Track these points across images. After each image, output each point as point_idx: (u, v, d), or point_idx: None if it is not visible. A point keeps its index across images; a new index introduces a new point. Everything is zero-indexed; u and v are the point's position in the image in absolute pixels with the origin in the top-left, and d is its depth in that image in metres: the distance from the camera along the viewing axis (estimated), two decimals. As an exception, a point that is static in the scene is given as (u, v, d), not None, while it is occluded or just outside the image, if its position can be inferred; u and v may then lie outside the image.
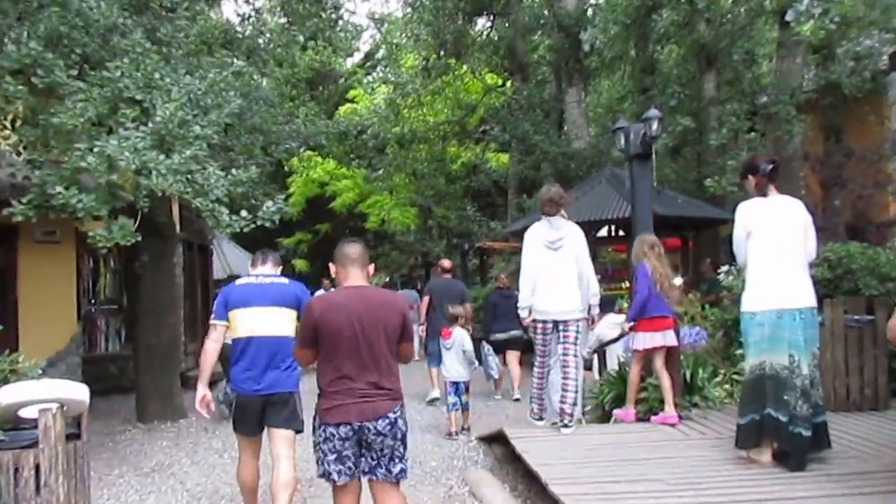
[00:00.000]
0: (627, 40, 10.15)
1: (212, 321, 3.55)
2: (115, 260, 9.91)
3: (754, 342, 3.56)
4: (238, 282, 3.66)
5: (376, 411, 2.72)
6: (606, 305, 6.89)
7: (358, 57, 24.31)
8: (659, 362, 4.73)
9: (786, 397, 3.45)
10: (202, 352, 3.58)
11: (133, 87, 4.72)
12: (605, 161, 11.34)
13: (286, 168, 18.61)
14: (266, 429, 3.45)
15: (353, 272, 2.87)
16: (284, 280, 3.62)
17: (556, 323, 4.60)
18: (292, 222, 19.45)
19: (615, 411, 5.02)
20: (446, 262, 8.41)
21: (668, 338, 4.71)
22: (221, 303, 3.53)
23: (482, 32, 14.06)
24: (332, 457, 2.76)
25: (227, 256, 17.07)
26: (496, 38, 14.27)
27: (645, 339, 4.70)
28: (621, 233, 9.48)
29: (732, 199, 8.69)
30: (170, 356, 7.07)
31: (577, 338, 4.64)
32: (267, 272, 3.64)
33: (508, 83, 14.27)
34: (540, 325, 4.67)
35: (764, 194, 3.66)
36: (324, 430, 2.77)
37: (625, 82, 12.25)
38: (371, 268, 3.00)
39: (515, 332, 7.60)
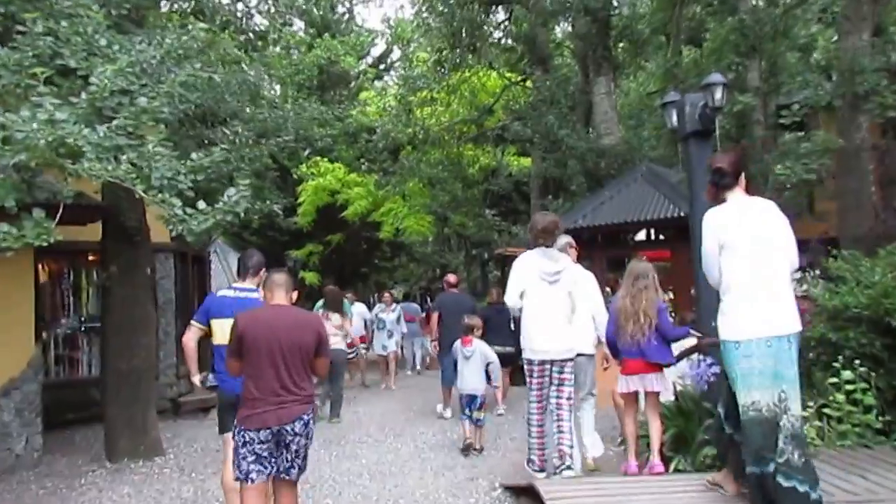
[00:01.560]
0: (672, 7, 9.08)
1: (192, 321, 4.16)
2: (98, 271, 9.13)
3: (742, 376, 2.94)
4: (219, 293, 4.24)
5: (291, 415, 3.10)
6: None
7: (370, 62, 23.63)
8: (648, 409, 4.36)
9: (782, 444, 2.85)
10: (183, 346, 4.21)
11: (69, 52, 3.84)
12: (639, 158, 10.30)
13: (295, 176, 17.86)
14: None
15: (278, 294, 3.37)
16: (256, 295, 3.99)
17: (552, 363, 4.26)
18: (303, 233, 18.70)
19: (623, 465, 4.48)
20: (452, 277, 8.57)
21: (647, 383, 4.29)
22: (203, 310, 4.13)
23: (499, 24, 13.13)
24: (251, 458, 3.10)
25: (233, 270, 16.33)
26: (514, 29, 13.33)
27: (621, 383, 4.40)
28: (662, 236, 8.39)
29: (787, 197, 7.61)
30: (142, 383, 6.18)
31: (571, 380, 4.34)
32: (244, 286, 4.11)
33: (528, 82, 13.35)
34: (537, 367, 4.29)
35: (720, 202, 3.14)
36: (243, 435, 3.09)
37: (663, 62, 11.17)
38: (294, 294, 3.64)
39: (509, 349, 7.55)
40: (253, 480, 3.10)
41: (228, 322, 3.41)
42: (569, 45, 12.54)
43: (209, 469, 5.87)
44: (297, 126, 7.62)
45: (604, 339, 4.65)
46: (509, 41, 14.05)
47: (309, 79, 16.50)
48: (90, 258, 9.09)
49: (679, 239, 8.09)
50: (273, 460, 3.14)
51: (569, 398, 4.32)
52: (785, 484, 2.78)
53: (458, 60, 11.88)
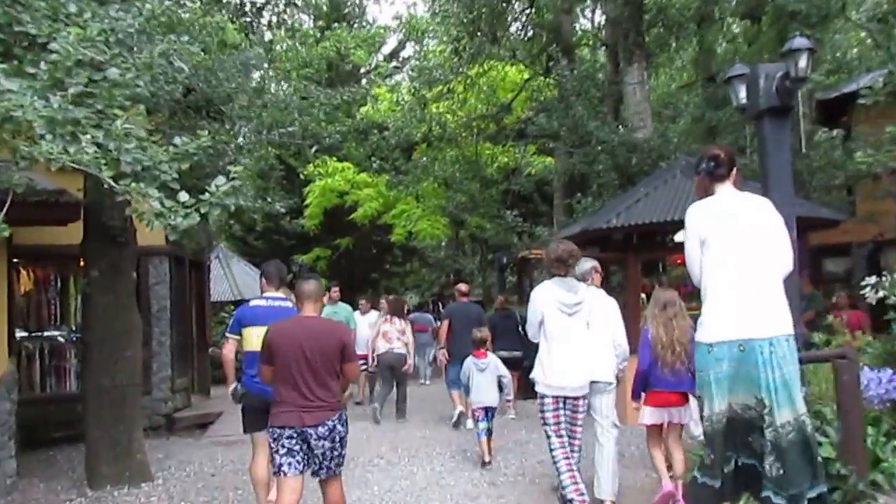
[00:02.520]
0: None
1: (227, 334, 4.57)
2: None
3: (717, 381, 2.83)
4: (251, 303, 4.57)
5: (314, 420, 3.40)
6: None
7: (382, 58, 23.16)
8: (670, 439, 4.37)
9: (750, 440, 2.81)
10: (222, 359, 4.67)
11: (30, 18, 3.31)
12: (675, 153, 9.66)
13: (302, 176, 17.38)
14: None
15: (307, 305, 3.64)
16: (288, 304, 4.33)
17: (565, 399, 4.15)
18: (310, 237, 18.24)
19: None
20: (463, 286, 8.79)
21: (674, 415, 4.30)
22: (236, 321, 4.45)
23: (521, 11, 12.54)
24: (283, 451, 3.42)
25: (237, 277, 15.83)
26: (536, 18, 12.76)
27: (649, 415, 4.35)
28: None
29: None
30: (126, 401, 5.65)
31: (583, 420, 4.27)
32: (275, 295, 4.45)
33: (550, 77, 12.76)
34: (551, 401, 4.15)
35: (708, 195, 3.02)
36: (273, 432, 3.46)
37: (693, 54, 10.56)
38: (325, 298, 4.46)
39: (516, 353, 7.91)
40: (286, 473, 3.42)
41: (262, 329, 3.71)
42: (597, 34, 11.92)
43: (201, 497, 5.34)
44: (300, 108, 7.04)
45: (623, 366, 4.60)
46: (530, 32, 13.47)
47: (317, 73, 16.04)
48: (80, 263, 8.63)
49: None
50: (304, 457, 3.45)
51: (580, 439, 4.27)
52: (763, 493, 2.77)
53: (476, 50, 11.31)
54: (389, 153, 13.91)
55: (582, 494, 4.00)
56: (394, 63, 22.82)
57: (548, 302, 4.12)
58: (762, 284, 2.85)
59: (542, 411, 4.18)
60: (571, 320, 4.09)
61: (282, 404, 3.44)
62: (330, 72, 19.65)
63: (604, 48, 12.06)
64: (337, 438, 3.46)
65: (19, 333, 8.25)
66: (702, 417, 2.98)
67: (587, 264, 4.65)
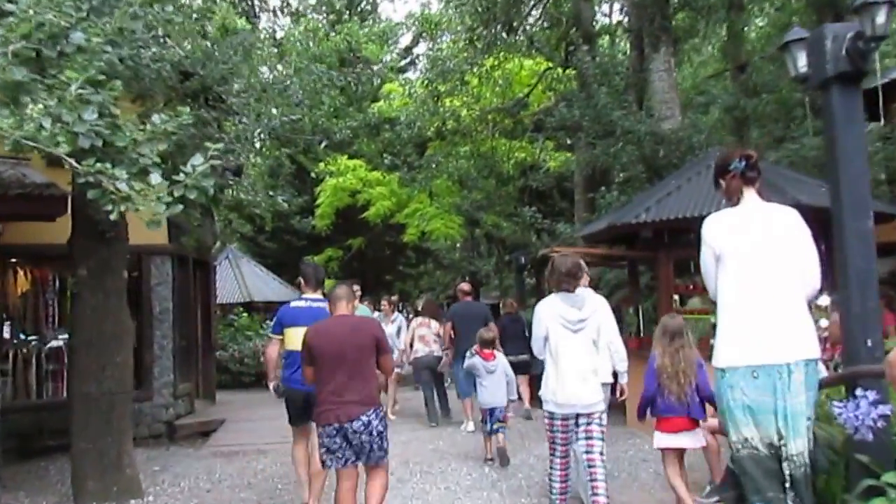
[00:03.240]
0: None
1: (270, 335, 4.96)
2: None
3: (732, 408, 2.69)
4: (291, 304, 4.80)
5: (350, 415, 3.66)
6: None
7: (394, 56, 22.75)
8: (675, 467, 4.34)
9: (767, 486, 2.61)
10: (266, 358, 4.98)
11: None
12: (707, 144, 9.11)
13: (313, 175, 17.04)
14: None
15: (339, 306, 3.97)
16: (325, 304, 4.39)
17: (577, 416, 4.07)
18: (321, 237, 17.87)
19: None
20: (465, 286, 8.87)
21: (682, 440, 4.31)
22: (278, 322, 4.71)
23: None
24: (323, 449, 3.80)
25: (246, 278, 15.53)
26: (553, 10, 12.26)
27: (665, 440, 4.35)
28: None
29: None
30: (115, 410, 5.26)
31: (602, 431, 4.13)
32: (313, 296, 4.70)
33: (568, 70, 12.25)
34: (560, 422, 4.07)
35: (735, 202, 2.85)
36: (318, 430, 3.85)
37: (720, 41, 9.99)
38: (355, 301, 4.56)
39: (524, 357, 7.72)
40: (329, 467, 3.80)
41: (302, 329, 4.01)
42: (619, 22, 11.39)
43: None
44: (313, 92, 6.61)
45: (620, 369, 4.70)
46: (545, 23, 12.98)
47: (329, 68, 15.69)
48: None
49: (766, 236, 6.90)
50: (344, 452, 3.70)
51: (601, 453, 4.08)
52: None
53: (492, 39, 10.82)
54: (402, 148, 13.46)
55: None
56: (408, 59, 22.44)
57: (552, 317, 4.05)
58: (781, 305, 2.64)
59: (551, 431, 4.10)
60: (577, 337, 4.02)
61: (323, 403, 3.74)
62: (342, 66, 19.35)
63: (627, 35, 11.52)
64: (374, 432, 3.70)
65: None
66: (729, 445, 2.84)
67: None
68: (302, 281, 4.80)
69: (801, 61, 3.50)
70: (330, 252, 17.87)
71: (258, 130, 7.22)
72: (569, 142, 15.09)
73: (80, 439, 5.23)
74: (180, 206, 3.53)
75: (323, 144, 12.71)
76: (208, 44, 4.78)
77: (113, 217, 2.81)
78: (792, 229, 2.73)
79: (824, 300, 7.58)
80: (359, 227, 17.66)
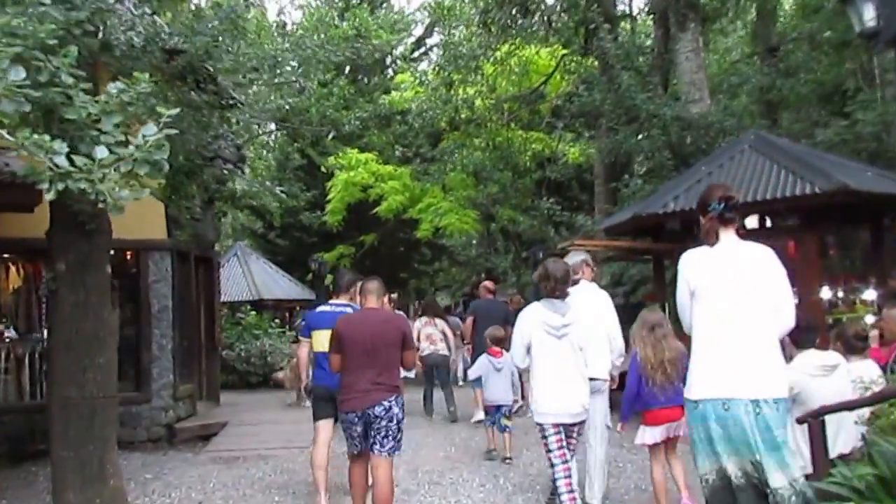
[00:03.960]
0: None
1: (300, 338, 5.34)
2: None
3: (700, 440, 2.73)
4: (318, 309, 5.25)
5: (374, 400, 3.89)
6: (806, 333, 4.16)
7: (406, 47, 22.29)
8: (668, 456, 4.40)
9: None
10: (297, 360, 6.01)
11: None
12: (738, 129, 8.55)
13: (323, 169, 16.65)
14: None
15: (370, 299, 4.18)
16: (349, 309, 4.80)
17: (564, 425, 4.03)
18: (333, 234, 17.48)
19: None
20: (490, 283, 8.87)
21: (672, 430, 4.32)
22: (307, 326, 5.10)
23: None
24: (348, 436, 4.06)
25: (255, 276, 15.19)
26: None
27: (650, 435, 4.33)
28: (782, 222, 6.62)
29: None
30: (97, 417, 4.86)
31: (575, 445, 4.14)
32: (338, 302, 5.02)
33: (591, 55, 11.69)
34: (552, 428, 4.00)
35: (713, 242, 2.85)
36: (342, 418, 4.09)
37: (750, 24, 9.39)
38: (386, 297, 4.93)
39: None
40: (352, 454, 4.06)
41: (327, 333, 4.27)
42: (642, 11, 10.81)
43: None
44: (300, 57, 6.18)
45: (617, 363, 4.64)
46: (563, 4, 12.40)
47: (339, 61, 15.27)
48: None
49: (808, 224, 6.35)
50: (362, 438, 3.94)
51: (573, 458, 4.09)
52: None
53: (506, 21, 10.30)
54: (413, 140, 12.99)
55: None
56: (420, 50, 21.98)
57: (536, 324, 4.00)
58: (751, 342, 2.72)
59: (545, 437, 4.03)
60: (560, 343, 3.97)
61: (347, 390, 3.96)
62: (355, 59, 18.93)
63: (650, 16, 10.94)
64: (394, 419, 3.92)
65: (7, 335, 7.68)
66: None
67: (577, 257, 4.65)
68: (332, 289, 5.44)
69: (868, 15, 2.98)
70: (341, 249, 17.41)
71: (254, 115, 6.82)
72: (587, 134, 14.56)
73: (60, 447, 4.84)
74: (146, 191, 3.14)
75: (331, 136, 12.27)
76: (190, 14, 4.35)
77: (49, 197, 2.39)
78: (767, 268, 2.78)
79: (870, 294, 7.01)
80: (371, 222, 17.22)
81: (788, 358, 4.29)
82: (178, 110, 2.68)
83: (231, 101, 6.33)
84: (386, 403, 3.89)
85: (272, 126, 12.88)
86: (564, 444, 3.99)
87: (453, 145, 12.57)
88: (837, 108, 9.68)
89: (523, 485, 5.31)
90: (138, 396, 7.95)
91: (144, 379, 7.98)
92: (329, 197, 16.66)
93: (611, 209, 9.61)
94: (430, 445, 6.96)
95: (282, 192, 7.03)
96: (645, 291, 8.71)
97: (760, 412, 2.62)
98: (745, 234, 6.76)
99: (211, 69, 5.23)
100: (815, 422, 3.52)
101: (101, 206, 2.67)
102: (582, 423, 4.06)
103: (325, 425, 4.78)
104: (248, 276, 14.88)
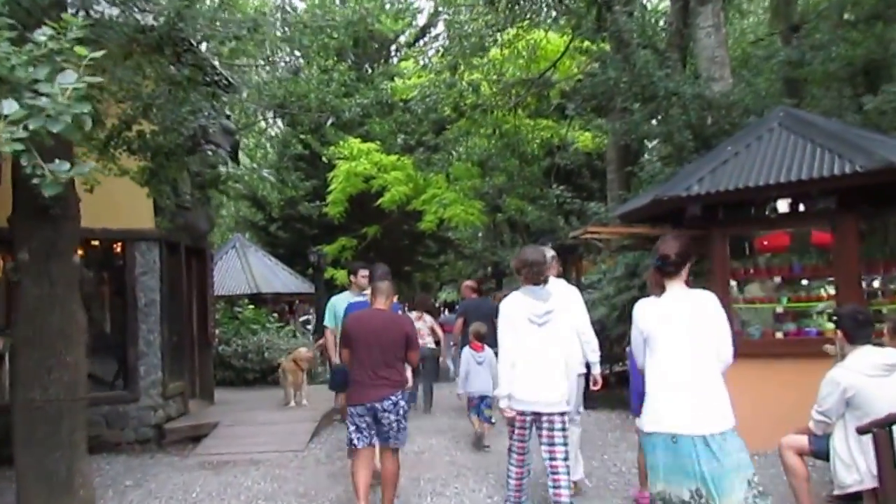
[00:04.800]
0: None
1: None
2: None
3: (653, 466, 3.05)
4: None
5: (381, 395, 4.17)
6: (861, 327, 3.66)
7: (410, 35, 21.73)
8: None
9: None
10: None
11: None
12: (763, 109, 8.00)
13: (325, 160, 16.18)
14: None
15: (379, 299, 4.46)
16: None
17: (538, 415, 3.96)
18: (335, 225, 17.02)
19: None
20: (472, 283, 9.33)
21: None
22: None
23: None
24: (353, 428, 4.27)
25: (254, 268, 14.75)
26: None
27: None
28: (817, 205, 6.07)
29: None
30: (64, 420, 4.45)
31: (565, 436, 3.99)
32: (366, 293, 5.49)
33: (604, 36, 11.12)
34: (519, 418, 3.99)
35: (659, 293, 3.15)
36: (349, 410, 4.32)
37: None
38: (394, 297, 4.79)
39: None
40: (356, 446, 4.28)
41: None
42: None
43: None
44: (288, 25, 5.70)
45: (592, 360, 4.70)
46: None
47: (340, 44, 14.68)
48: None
49: (845, 207, 5.81)
50: (371, 431, 4.22)
51: (565, 459, 3.96)
52: None
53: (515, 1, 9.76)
54: (416, 127, 12.45)
55: None
56: (425, 39, 21.43)
57: (518, 313, 3.98)
58: (697, 382, 3.00)
59: (511, 426, 4.06)
60: (542, 331, 3.96)
61: (355, 384, 4.24)
62: (356, 48, 18.40)
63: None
64: (400, 412, 4.19)
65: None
66: None
67: (549, 253, 4.65)
68: (367, 279, 5.85)
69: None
70: (343, 241, 16.96)
71: (248, 100, 6.34)
72: (599, 120, 14.02)
73: (24, 454, 4.42)
74: (88, 165, 2.67)
75: (329, 122, 11.75)
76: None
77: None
78: (709, 313, 3.08)
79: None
80: (374, 214, 16.76)
81: (842, 356, 3.80)
82: (103, 52, 2.18)
83: (216, 78, 5.87)
84: (393, 398, 4.19)
85: (270, 113, 12.39)
86: (527, 437, 3.99)
87: (458, 132, 12.02)
88: (867, 86, 9.12)
89: (535, 497, 4.82)
90: (125, 395, 7.53)
91: (131, 377, 7.55)
92: (330, 188, 16.21)
93: (626, 195, 9.08)
94: (434, 449, 6.49)
95: (276, 179, 6.54)
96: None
97: (707, 446, 2.88)
98: (776, 218, 6.26)
99: (191, 41, 4.75)
100: (881, 432, 3.02)
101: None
102: (562, 414, 3.94)
103: None
104: (246, 268, 14.44)
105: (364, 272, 6.12)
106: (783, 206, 6.16)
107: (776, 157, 6.11)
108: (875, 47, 8.08)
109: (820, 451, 3.82)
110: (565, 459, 3.93)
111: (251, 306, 13.00)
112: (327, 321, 6.36)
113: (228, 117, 9.20)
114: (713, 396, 2.99)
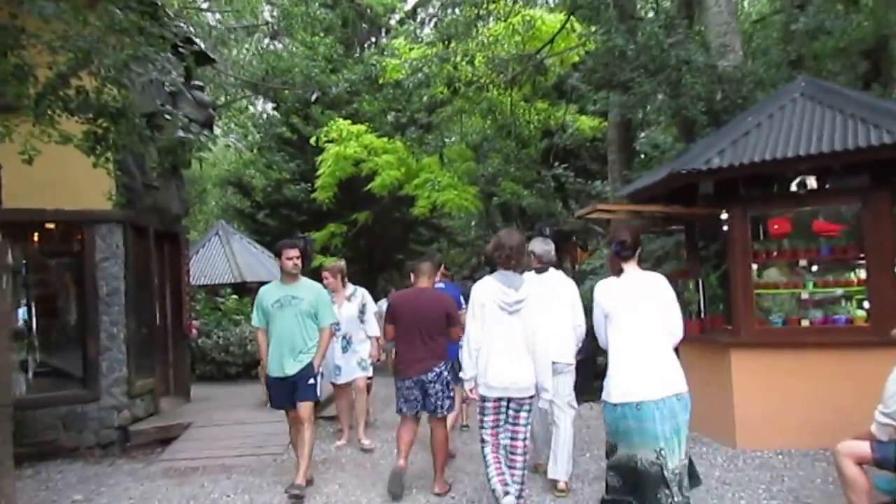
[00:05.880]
0: None
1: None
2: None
3: (620, 432, 3.40)
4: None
5: (426, 367, 4.54)
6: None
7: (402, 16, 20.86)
8: None
9: (658, 496, 3.27)
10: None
11: None
12: (777, 82, 7.31)
13: (313, 142, 15.37)
14: None
15: (421, 279, 4.80)
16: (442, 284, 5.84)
17: (509, 400, 4.00)
18: (324, 212, 16.25)
19: None
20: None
21: None
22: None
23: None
24: (401, 399, 4.68)
25: (238, 256, 14.00)
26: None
27: None
28: (845, 180, 5.40)
29: None
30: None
31: (528, 420, 4.07)
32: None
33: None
34: (491, 404, 4.01)
35: (618, 274, 3.57)
36: (397, 383, 4.71)
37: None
38: (437, 276, 5.18)
39: None
40: (405, 413, 4.67)
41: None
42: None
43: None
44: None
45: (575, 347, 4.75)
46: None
47: (329, 23, 13.83)
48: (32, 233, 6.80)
49: (878, 183, 5.16)
50: (419, 402, 4.60)
51: (524, 440, 4.06)
52: None
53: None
54: (407, 104, 11.67)
55: (505, 483, 3.94)
56: (418, 19, 20.60)
57: (488, 297, 3.99)
58: (652, 353, 3.38)
59: (482, 414, 4.07)
60: (512, 319, 3.98)
61: (402, 360, 4.64)
62: (345, 28, 17.56)
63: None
64: (444, 381, 4.56)
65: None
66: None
67: (546, 245, 4.75)
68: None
69: None
70: (332, 228, 16.14)
71: (226, 72, 5.59)
72: (601, 93, 13.32)
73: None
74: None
75: (314, 96, 10.98)
76: None
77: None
78: (661, 292, 3.48)
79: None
80: (364, 200, 15.97)
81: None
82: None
83: (175, 30, 5.10)
84: (437, 370, 4.53)
85: (254, 94, 11.60)
86: (500, 423, 3.99)
87: (452, 111, 11.27)
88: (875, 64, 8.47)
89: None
90: (84, 394, 6.82)
91: (91, 374, 6.85)
92: (319, 172, 15.42)
93: (630, 175, 8.39)
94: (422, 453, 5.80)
95: (259, 160, 5.81)
96: (672, 267, 7.52)
97: (664, 407, 3.26)
98: (804, 195, 5.59)
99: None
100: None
101: None
102: (531, 398, 3.99)
103: None
104: (229, 257, 13.70)
105: (292, 252, 4.90)
106: (812, 181, 5.49)
107: (803, 127, 5.45)
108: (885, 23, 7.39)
109: (885, 459, 3.21)
110: (524, 442, 4.05)
111: (234, 296, 12.28)
112: (255, 321, 5.07)
113: (202, 88, 8.46)
114: (667, 366, 3.38)
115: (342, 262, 7.11)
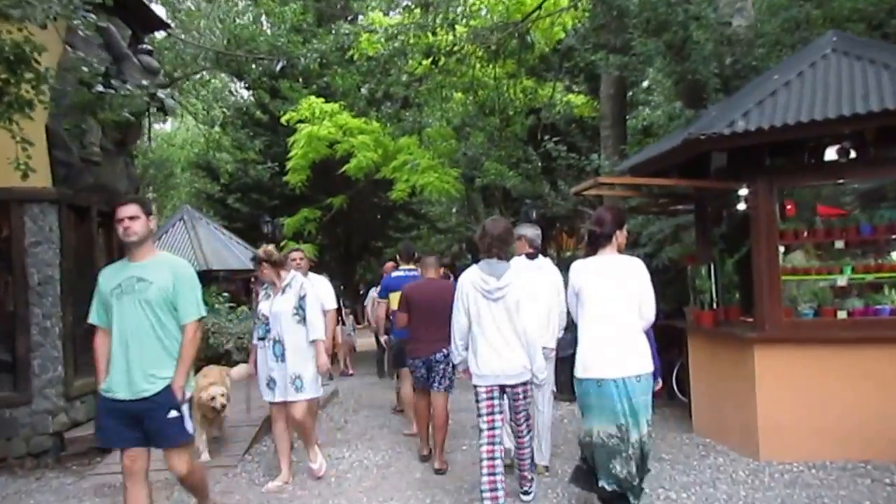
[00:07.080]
0: None
1: (378, 299, 6.72)
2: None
3: (585, 407, 3.61)
4: (392, 275, 6.40)
5: (433, 349, 4.90)
6: None
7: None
8: None
9: (618, 467, 3.45)
10: (377, 317, 7.45)
11: None
12: (795, 44, 6.55)
13: (285, 123, 14.35)
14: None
15: (430, 271, 5.27)
16: (416, 273, 5.96)
17: (502, 388, 3.96)
18: (297, 196, 15.27)
19: None
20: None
21: None
22: (384, 288, 6.38)
23: None
24: (412, 374, 5.19)
25: (203, 242, 12.96)
26: None
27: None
28: (887, 148, 4.64)
29: None
30: None
31: (525, 406, 4.01)
32: (408, 268, 6.20)
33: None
34: (484, 390, 3.93)
35: (594, 253, 3.68)
36: (409, 362, 5.16)
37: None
38: (441, 269, 5.82)
39: None
40: (417, 386, 5.17)
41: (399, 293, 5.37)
42: None
43: None
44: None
45: (558, 335, 4.78)
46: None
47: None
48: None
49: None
50: (426, 379, 5.00)
51: (527, 420, 4.04)
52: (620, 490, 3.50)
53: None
54: (382, 77, 10.72)
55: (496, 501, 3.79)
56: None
57: (472, 286, 3.94)
58: (618, 334, 3.49)
59: (477, 401, 3.96)
60: (496, 306, 3.89)
61: (415, 341, 5.04)
62: (319, 2, 16.47)
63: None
64: (449, 363, 4.74)
65: None
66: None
67: (532, 230, 4.79)
68: (398, 257, 6.52)
69: None
70: (306, 213, 15.15)
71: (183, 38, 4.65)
72: (581, 83, 12.50)
73: None
74: None
75: (279, 66, 10.01)
76: None
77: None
78: (634, 275, 3.56)
79: None
80: (340, 183, 15.00)
81: None
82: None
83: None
84: (445, 351, 4.68)
85: (217, 73, 10.56)
86: (496, 410, 3.90)
87: (432, 85, 10.36)
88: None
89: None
90: (13, 397, 5.88)
91: (22, 374, 5.91)
92: (290, 154, 14.40)
93: (627, 150, 7.62)
94: (401, 461, 4.97)
95: (221, 135, 4.90)
96: (677, 251, 6.75)
97: (625, 386, 3.43)
98: (842, 164, 4.83)
99: None
100: None
101: None
102: (525, 384, 3.91)
103: (406, 370, 5.50)
104: (195, 243, 12.66)
105: (126, 210, 3.34)
106: (835, 152, 4.71)
107: (841, 85, 4.67)
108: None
109: None
110: (528, 420, 4.01)
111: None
112: (92, 316, 3.59)
113: (150, 53, 7.45)
114: (633, 347, 3.48)
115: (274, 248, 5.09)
